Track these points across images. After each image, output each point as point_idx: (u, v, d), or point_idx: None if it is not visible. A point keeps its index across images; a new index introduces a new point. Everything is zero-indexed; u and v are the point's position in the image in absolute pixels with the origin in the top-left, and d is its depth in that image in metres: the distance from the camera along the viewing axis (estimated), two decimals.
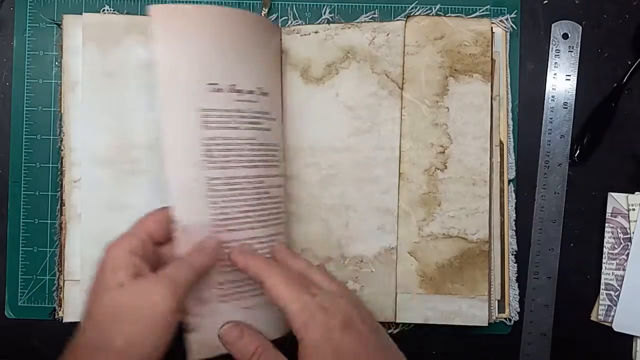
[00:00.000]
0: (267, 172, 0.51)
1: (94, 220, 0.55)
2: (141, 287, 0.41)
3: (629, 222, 0.57)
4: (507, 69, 0.58)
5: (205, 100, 0.47)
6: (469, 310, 0.55)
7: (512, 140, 0.58)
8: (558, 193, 0.58)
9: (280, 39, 0.56)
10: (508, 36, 0.58)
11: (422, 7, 0.58)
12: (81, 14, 0.56)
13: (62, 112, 0.56)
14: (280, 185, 0.53)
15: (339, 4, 0.59)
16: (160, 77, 0.46)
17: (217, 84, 0.48)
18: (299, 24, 0.58)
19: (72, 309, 0.56)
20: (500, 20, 0.58)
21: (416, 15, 0.57)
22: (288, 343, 0.48)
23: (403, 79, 0.56)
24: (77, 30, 0.55)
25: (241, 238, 0.48)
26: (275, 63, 0.55)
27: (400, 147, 0.56)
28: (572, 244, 0.59)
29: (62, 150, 0.56)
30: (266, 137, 0.51)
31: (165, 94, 0.46)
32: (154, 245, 0.45)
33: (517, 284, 0.58)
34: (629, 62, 0.58)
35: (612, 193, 0.58)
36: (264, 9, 0.58)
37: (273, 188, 0.51)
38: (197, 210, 0.47)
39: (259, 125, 0.50)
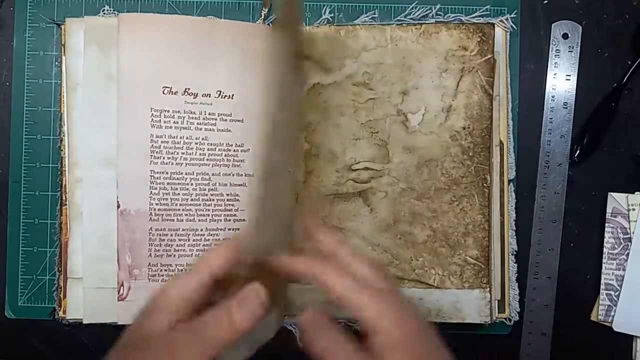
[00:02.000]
0: (217, 170, 0.55)
1: (96, 219, 0.55)
2: (176, 340, 0.38)
3: (629, 222, 0.57)
4: (507, 69, 0.58)
5: (157, 102, 0.54)
6: None
7: (512, 140, 0.58)
8: (558, 193, 0.58)
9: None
10: (508, 36, 0.58)
11: (422, 7, 0.58)
12: (81, 14, 0.57)
13: (62, 112, 0.56)
14: (242, 184, 0.56)
15: (339, 4, 0.59)
16: (120, 77, 0.53)
17: (171, 87, 0.54)
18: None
19: (74, 307, 0.56)
20: (500, 20, 0.58)
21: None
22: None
23: None
24: (78, 32, 0.56)
25: (179, 227, 0.54)
26: (248, 66, 0.55)
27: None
28: (572, 244, 0.59)
29: (62, 150, 0.56)
30: (223, 138, 0.55)
31: (123, 93, 0.54)
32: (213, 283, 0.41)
33: (517, 284, 0.58)
34: (629, 62, 0.58)
35: (612, 193, 0.58)
36: (264, 9, 0.58)
37: (224, 186, 0.55)
38: (138, 198, 0.54)
39: (213, 126, 0.55)
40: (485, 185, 0.56)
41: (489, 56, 0.55)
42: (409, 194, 0.57)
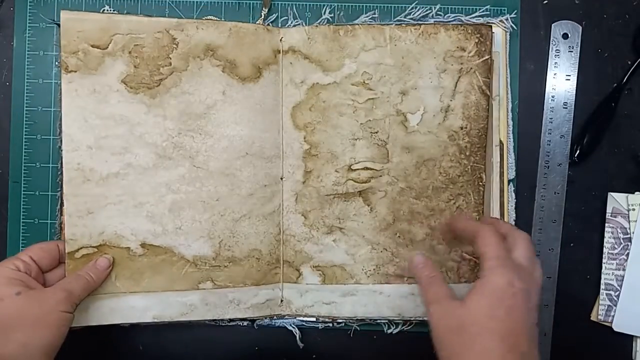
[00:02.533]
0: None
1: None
2: (38, 294, 0.48)
3: (629, 222, 0.57)
4: (507, 69, 0.58)
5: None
6: None
7: (512, 140, 0.58)
8: (558, 193, 0.58)
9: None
10: (508, 36, 0.58)
11: (422, 7, 0.58)
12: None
13: (61, 112, 0.56)
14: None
15: (339, 4, 0.59)
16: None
17: None
18: (299, 24, 0.58)
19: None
20: (500, 20, 0.58)
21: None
22: None
23: None
24: None
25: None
26: None
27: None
28: (572, 244, 0.59)
29: (61, 150, 0.56)
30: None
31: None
32: (39, 270, 0.52)
33: None
34: (629, 62, 0.58)
35: (612, 193, 0.58)
36: (264, 9, 0.58)
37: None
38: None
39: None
40: (480, 183, 0.56)
41: (487, 57, 0.55)
42: (407, 193, 0.57)
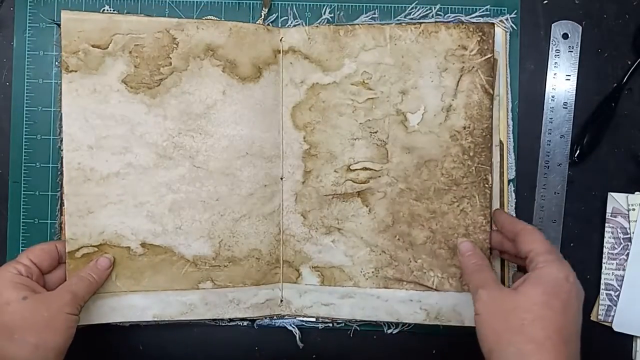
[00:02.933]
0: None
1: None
2: (44, 298, 0.49)
3: (629, 222, 0.57)
4: (507, 69, 0.58)
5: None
6: None
7: (512, 140, 0.58)
8: (558, 193, 0.58)
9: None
10: (508, 36, 0.58)
11: (422, 7, 0.58)
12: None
13: (62, 112, 0.56)
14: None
15: (339, 4, 0.59)
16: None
17: None
18: (299, 24, 0.58)
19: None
20: (500, 20, 0.58)
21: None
22: None
23: None
24: None
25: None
26: None
27: None
28: (572, 244, 0.59)
29: (62, 150, 0.56)
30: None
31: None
32: (40, 273, 0.52)
33: None
34: (629, 62, 0.58)
35: (612, 193, 0.58)
36: (264, 9, 0.58)
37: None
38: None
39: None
40: (486, 186, 0.56)
41: (489, 55, 0.55)
42: (407, 194, 0.56)
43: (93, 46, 0.54)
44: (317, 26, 0.57)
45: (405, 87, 0.56)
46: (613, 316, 0.57)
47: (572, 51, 0.58)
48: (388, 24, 0.57)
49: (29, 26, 0.59)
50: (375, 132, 0.56)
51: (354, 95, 0.56)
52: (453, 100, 0.55)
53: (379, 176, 0.56)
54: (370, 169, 0.57)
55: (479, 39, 0.55)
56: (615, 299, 0.57)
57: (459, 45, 0.55)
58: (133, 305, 0.55)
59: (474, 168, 0.56)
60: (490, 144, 0.56)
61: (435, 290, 0.56)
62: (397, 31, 0.56)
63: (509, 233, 0.51)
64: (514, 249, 0.51)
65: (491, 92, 0.55)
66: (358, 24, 0.57)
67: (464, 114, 0.56)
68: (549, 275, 0.45)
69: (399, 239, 0.57)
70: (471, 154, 0.56)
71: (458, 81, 0.55)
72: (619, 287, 0.57)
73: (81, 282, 0.52)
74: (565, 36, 0.58)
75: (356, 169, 0.57)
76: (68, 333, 0.49)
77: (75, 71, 0.54)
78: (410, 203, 0.56)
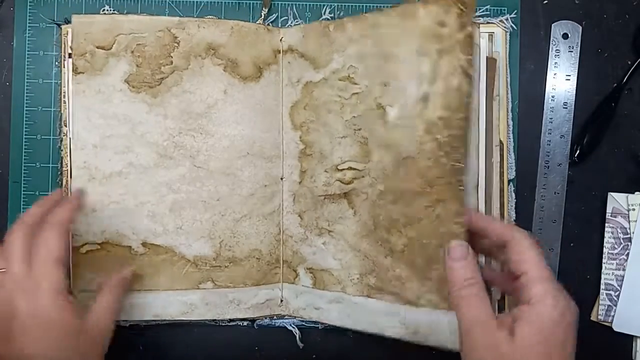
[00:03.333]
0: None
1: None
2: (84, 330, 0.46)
3: (629, 222, 0.57)
4: (507, 69, 0.58)
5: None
6: None
7: (512, 140, 0.58)
8: (558, 193, 0.58)
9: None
10: (508, 36, 0.58)
11: None
12: (82, 14, 0.57)
13: (62, 112, 0.56)
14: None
15: (339, 4, 0.59)
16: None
17: None
18: (299, 24, 0.58)
19: None
20: (500, 20, 0.58)
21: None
22: None
23: None
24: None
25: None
26: None
27: None
28: (572, 244, 0.59)
29: (62, 150, 0.56)
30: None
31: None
32: None
33: None
34: (629, 62, 0.58)
35: (612, 193, 0.58)
36: (264, 9, 0.58)
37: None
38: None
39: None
40: (460, 188, 0.47)
41: (469, 29, 0.47)
42: (385, 196, 0.51)
43: (98, 47, 0.54)
44: (310, 23, 0.57)
45: (387, 78, 0.50)
46: (613, 316, 0.57)
47: (572, 51, 0.58)
48: (371, 11, 0.53)
49: (29, 26, 0.58)
50: (359, 130, 0.53)
51: (341, 91, 0.53)
52: (430, 87, 0.48)
53: (362, 176, 0.53)
54: (355, 169, 0.53)
55: (458, 11, 0.47)
56: (615, 299, 0.57)
57: (437, 23, 0.48)
58: (133, 304, 0.55)
59: (448, 167, 0.48)
60: (467, 140, 0.48)
61: (412, 304, 0.51)
62: (379, 18, 0.51)
63: (497, 239, 0.45)
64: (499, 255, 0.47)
65: (470, 73, 0.47)
66: (347, 18, 0.54)
67: (441, 102, 0.48)
68: (544, 315, 0.41)
69: (380, 245, 0.52)
70: (447, 149, 0.48)
71: (437, 65, 0.48)
72: (619, 287, 0.57)
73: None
74: (565, 36, 0.58)
75: (343, 169, 0.54)
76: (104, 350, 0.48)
77: (83, 73, 0.54)
78: (387, 207, 0.51)
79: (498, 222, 0.48)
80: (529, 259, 0.42)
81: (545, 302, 0.41)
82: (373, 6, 0.58)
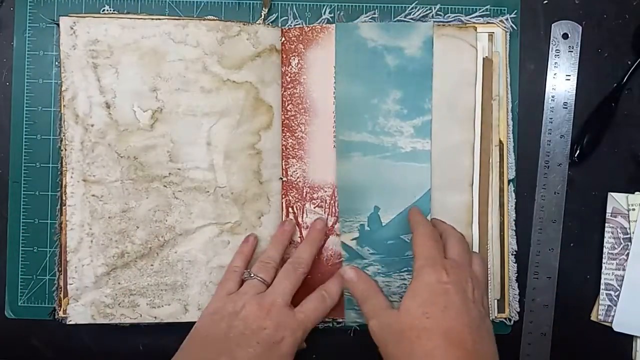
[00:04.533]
0: None
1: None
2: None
3: (629, 222, 0.57)
4: (507, 69, 0.58)
5: None
6: None
7: (512, 140, 0.58)
8: (558, 193, 0.58)
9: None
10: (508, 36, 0.58)
11: (422, 7, 0.58)
12: (81, 13, 0.57)
13: (62, 112, 0.56)
14: None
15: (339, 4, 0.59)
16: None
17: None
18: (299, 24, 0.58)
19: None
20: (500, 20, 0.57)
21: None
22: None
23: None
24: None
25: None
26: None
27: None
28: (572, 244, 0.59)
29: (62, 150, 0.56)
30: None
31: None
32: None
33: (517, 283, 0.58)
34: (629, 62, 0.58)
35: (612, 193, 0.58)
36: (264, 9, 0.58)
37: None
38: None
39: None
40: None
41: None
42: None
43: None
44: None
45: None
46: (613, 316, 0.57)
47: (572, 51, 0.58)
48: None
49: (29, 26, 0.59)
50: None
51: None
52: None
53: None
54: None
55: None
56: (615, 299, 0.57)
57: None
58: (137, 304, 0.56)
59: None
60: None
61: None
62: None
63: (412, 231, 0.52)
64: None
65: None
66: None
67: None
68: (422, 283, 0.46)
69: None
70: None
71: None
72: (619, 287, 0.57)
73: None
74: (565, 36, 0.58)
75: None
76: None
77: None
78: None
79: (418, 215, 0.53)
80: (421, 244, 0.49)
81: (422, 272, 0.46)
82: (373, 6, 0.58)
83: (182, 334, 0.52)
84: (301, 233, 0.57)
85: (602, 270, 0.58)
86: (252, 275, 0.52)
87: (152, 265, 0.56)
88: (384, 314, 0.47)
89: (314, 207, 0.57)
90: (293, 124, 0.57)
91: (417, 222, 0.52)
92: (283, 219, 0.57)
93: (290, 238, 0.57)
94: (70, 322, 0.55)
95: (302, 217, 0.58)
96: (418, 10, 0.58)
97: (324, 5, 0.59)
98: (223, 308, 0.51)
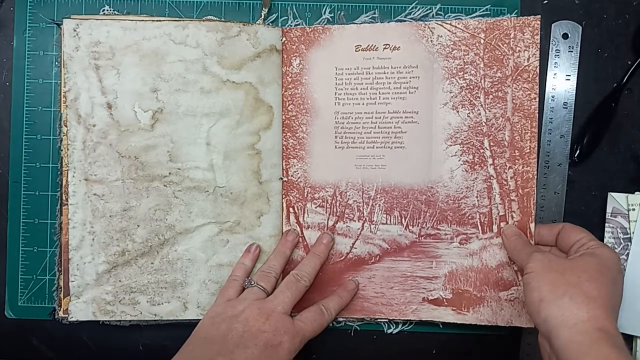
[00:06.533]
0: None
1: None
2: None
3: (629, 222, 0.57)
4: None
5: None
6: None
7: None
8: (558, 193, 0.58)
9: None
10: None
11: (422, 7, 0.58)
12: (81, 14, 0.57)
13: (62, 112, 0.56)
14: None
15: (339, 4, 0.59)
16: None
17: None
18: (299, 24, 0.58)
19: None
20: None
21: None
22: None
23: None
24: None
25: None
26: None
27: None
28: None
29: (62, 150, 0.56)
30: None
31: None
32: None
33: None
34: (629, 62, 0.58)
35: (612, 193, 0.58)
36: (264, 9, 0.58)
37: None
38: None
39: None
40: None
41: None
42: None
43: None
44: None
45: None
46: None
47: (572, 51, 0.58)
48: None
49: (29, 26, 0.59)
50: None
51: None
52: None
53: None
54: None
55: None
56: None
57: None
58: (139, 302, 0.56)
59: None
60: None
61: None
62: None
63: (550, 238, 0.55)
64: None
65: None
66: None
67: None
68: (603, 254, 0.49)
69: None
70: None
71: None
72: None
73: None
74: (565, 36, 0.58)
75: None
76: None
77: None
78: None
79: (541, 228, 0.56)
80: (581, 231, 0.52)
81: (603, 248, 0.49)
82: (373, 6, 0.58)
83: (181, 334, 0.52)
84: (302, 233, 0.58)
85: None
86: (252, 283, 0.53)
87: (152, 263, 0.56)
88: (550, 253, 0.51)
89: (315, 207, 0.58)
90: (294, 124, 0.57)
91: (554, 224, 0.55)
92: (283, 222, 0.57)
93: (293, 249, 0.57)
94: (72, 319, 0.55)
95: (303, 217, 0.58)
96: (418, 10, 0.58)
97: (324, 5, 0.59)
98: (223, 312, 0.51)
